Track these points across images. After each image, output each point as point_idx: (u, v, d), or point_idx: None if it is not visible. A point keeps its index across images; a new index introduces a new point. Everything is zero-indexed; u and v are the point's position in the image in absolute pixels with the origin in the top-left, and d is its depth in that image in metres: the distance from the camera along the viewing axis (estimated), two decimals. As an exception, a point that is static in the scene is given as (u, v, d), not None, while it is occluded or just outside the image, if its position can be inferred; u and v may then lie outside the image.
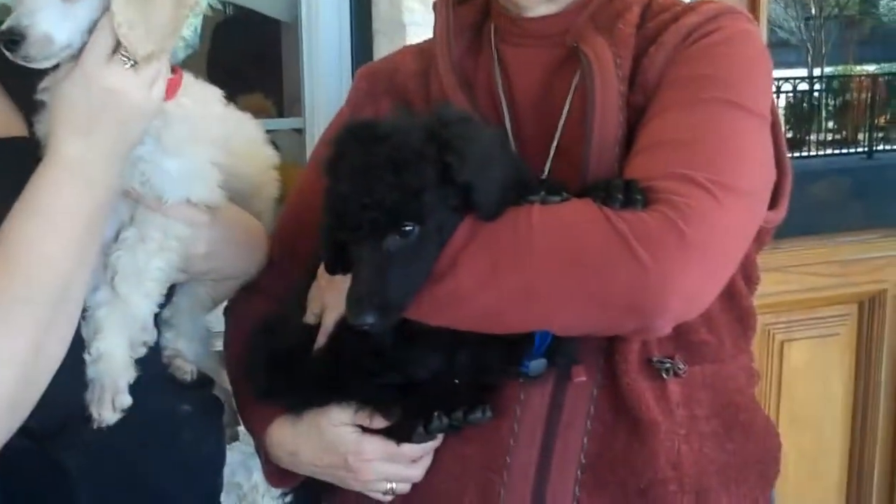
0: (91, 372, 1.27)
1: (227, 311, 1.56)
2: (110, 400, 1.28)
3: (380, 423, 1.31)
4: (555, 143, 1.33)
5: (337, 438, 1.32)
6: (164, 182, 1.29)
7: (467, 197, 1.16)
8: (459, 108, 1.31)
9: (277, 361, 1.36)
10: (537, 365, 1.25)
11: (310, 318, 1.36)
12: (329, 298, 1.33)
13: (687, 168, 1.15)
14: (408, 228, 1.15)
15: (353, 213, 1.15)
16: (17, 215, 1.16)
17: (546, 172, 1.32)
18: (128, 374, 1.29)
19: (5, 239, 1.15)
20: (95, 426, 1.27)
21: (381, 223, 1.15)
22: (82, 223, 1.18)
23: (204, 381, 1.49)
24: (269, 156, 1.57)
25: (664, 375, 1.28)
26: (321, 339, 1.33)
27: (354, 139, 1.19)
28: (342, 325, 1.29)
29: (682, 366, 1.29)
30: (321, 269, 1.34)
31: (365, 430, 1.32)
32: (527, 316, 1.17)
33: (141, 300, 1.30)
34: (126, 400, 1.28)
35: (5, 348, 1.12)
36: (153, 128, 1.26)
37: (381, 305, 1.15)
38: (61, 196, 1.17)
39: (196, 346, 1.49)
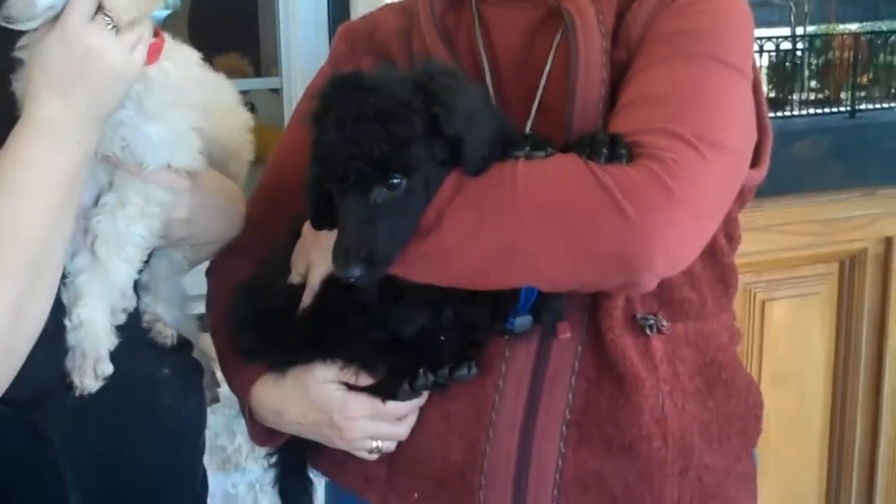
0: (72, 339, 1.28)
1: (209, 273, 1.57)
2: (92, 368, 1.28)
3: (365, 380, 1.32)
4: (536, 102, 1.34)
5: (322, 396, 1.34)
6: (145, 147, 1.29)
7: (454, 150, 1.17)
8: (444, 63, 1.32)
9: (261, 321, 1.37)
10: (523, 321, 1.26)
11: (294, 277, 1.37)
12: (314, 256, 1.33)
13: (672, 123, 1.17)
14: (395, 181, 1.16)
15: (341, 164, 1.16)
16: None
17: (528, 131, 1.33)
18: (109, 342, 1.30)
19: None
20: (77, 394, 1.27)
21: (369, 174, 1.15)
22: (57, 186, 1.17)
23: (183, 345, 1.49)
24: (245, 119, 1.57)
25: (648, 332, 1.30)
26: (306, 299, 1.34)
27: (342, 91, 1.20)
28: (328, 283, 1.30)
29: (665, 322, 1.31)
30: (306, 227, 1.34)
31: (350, 387, 1.33)
32: (512, 272, 1.18)
33: (121, 265, 1.30)
34: (107, 367, 1.29)
35: None
36: (135, 92, 1.26)
37: (367, 258, 1.16)
38: (35, 157, 1.16)
39: (175, 310, 1.49)
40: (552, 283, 1.20)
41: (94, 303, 1.29)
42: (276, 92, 2.69)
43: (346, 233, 1.18)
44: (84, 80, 1.18)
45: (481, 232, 1.16)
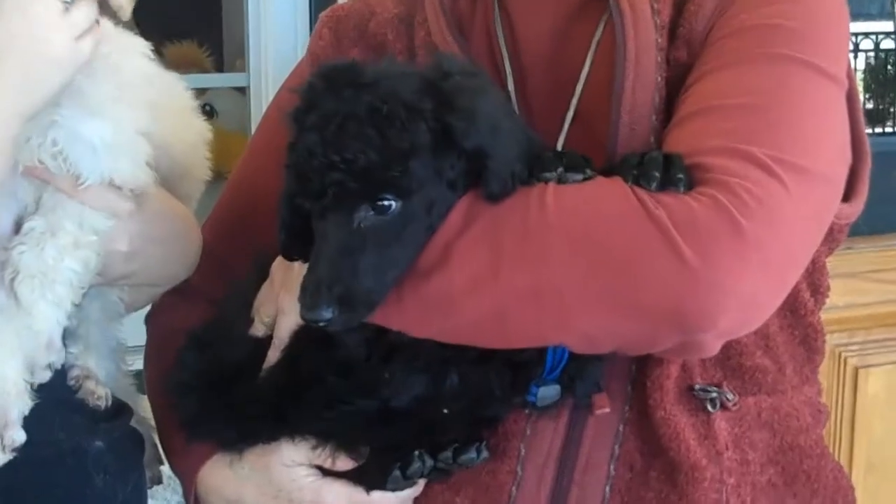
0: None
1: (149, 318, 1.57)
2: None
3: (344, 463, 1.32)
4: (572, 111, 1.34)
5: (289, 483, 1.33)
6: (82, 154, 1.28)
7: (470, 169, 1.17)
8: (464, 59, 1.31)
9: (212, 383, 1.36)
10: (548, 392, 1.26)
11: (258, 328, 1.37)
12: (284, 301, 1.33)
13: (745, 142, 1.15)
14: (386, 202, 1.15)
15: (318, 174, 1.15)
16: None
17: (560, 147, 1.33)
18: (21, 404, 1.28)
19: None
20: None
21: (352, 190, 1.14)
22: None
23: (119, 410, 1.48)
24: (201, 128, 1.58)
25: (709, 408, 1.29)
26: (273, 355, 1.33)
27: (331, 84, 1.19)
28: (300, 336, 1.30)
29: (731, 396, 1.30)
30: (276, 263, 1.34)
31: (325, 472, 1.32)
32: (536, 326, 1.17)
33: (47, 309, 1.29)
34: (18, 436, 1.27)
35: None
36: (73, 85, 1.25)
37: (344, 297, 1.15)
38: None
39: (108, 363, 1.49)
40: (587, 343, 1.19)
41: (5, 353, 1.27)
42: (242, 91, 2.73)
43: (320, 262, 1.17)
44: (10, 58, 1.18)
45: (498, 274, 1.15)
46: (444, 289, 1.17)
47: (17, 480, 1.29)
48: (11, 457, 1.27)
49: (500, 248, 1.15)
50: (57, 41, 1.20)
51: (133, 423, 1.52)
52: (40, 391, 1.30)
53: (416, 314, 1.19)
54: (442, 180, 1.17)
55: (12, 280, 1.28)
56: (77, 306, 1.36)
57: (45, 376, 1.31)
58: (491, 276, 1.15)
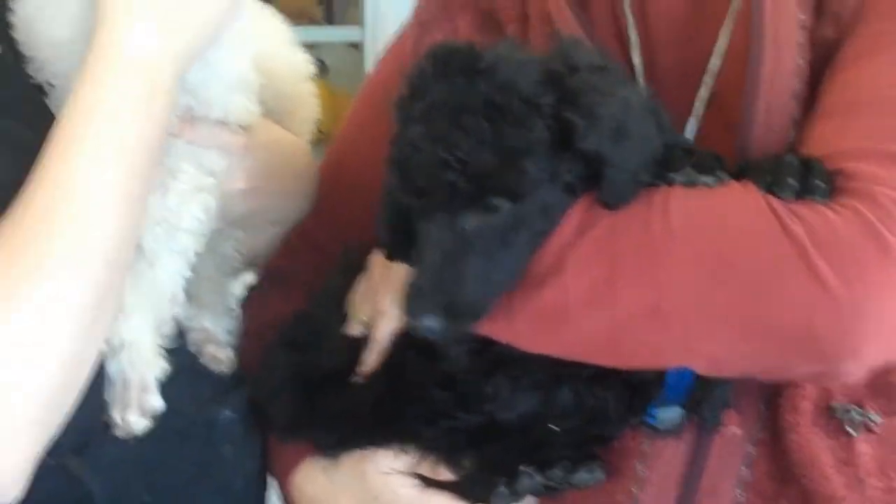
0: (111, 366, 1.25)
1: (242, 306, 1.56)
2: (136, 400, 1.26)
3: (446, 475, 1.29)
4: (704, 93, 1.29)
5: (387, 492, 1.31)
6: (210, 87, 1.28)
7: (590, 173, 1.12)
8: (594, 49, 1.27)
9: (306, 385, 1.35)
10: (668, 415, 1.22)
11: (354, 327, 1.36)
12: (383, 300, 1.32)
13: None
14: (496, 204, 1.12)
15: (423, 171, 1.13)
16: (61, 144, 1.13)
17: (690, 135, 1.29)
18: (158, 367, 1.27)
19: (45, 181, 1.12)
20: (119, 435, 1.26)
21: (461, 191, 1.12)
22: (145, 152, 1.16)
23: (242, 376, 1.48)
24: (304, 62, 1.55)
25: (850, 430, 1.23)
26: (370, 357, 1.32)
27: (442, 69, 1.16)
28: (401, 343, 1.29)
29: (876, 417, 1.24)
30: (376, 258, 1.34)
31: (426, 482, 1.29)
32: (656, 347, 1.14)
33: (171, 260, 1.28)
34: (156, 401, 1.26)
35: (52, 325, 1.10)
36: None
37: (449, 306, 1.13)
38: (124, 107, 1.14)
39: (226, 322, 1.48)
40: (712, 367, 1.16)
41: (137, 315, 1.26)
42: (356, 47, 2.71)
43: (424, 267, 1.15)
44: (192, 9, 1.19)
45: (615, 288, 1.12)
46: (556, 301, 1.15)
47: (146, 452, 1.29)
48: (149, 424, 1.26)
49: (618, 260, 1.13)
50: None
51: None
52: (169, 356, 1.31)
53: (525, 326, 1.17)
54: (558, 183, 1.14)
55: None
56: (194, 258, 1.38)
57: (167, 332, 1.30)
58: (606, 290, 1.12)
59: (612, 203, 1.14)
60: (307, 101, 1.55)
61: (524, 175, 1.12)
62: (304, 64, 1.55)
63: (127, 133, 1.15)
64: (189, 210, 1.29)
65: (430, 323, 1.13)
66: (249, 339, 1.50)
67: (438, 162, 1.12)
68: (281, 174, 1.43)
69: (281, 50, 1.51)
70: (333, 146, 1.61)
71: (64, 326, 1.10)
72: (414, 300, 1.14)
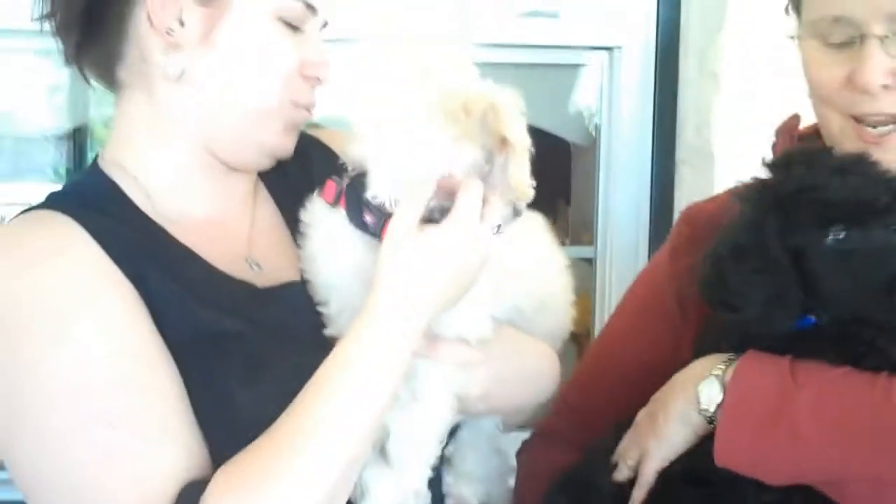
0: None
1: (518, 455, 1.68)
2: None
3: None
4: None
5: None
6: (451, 313, 1.33)
7: None
8: None
9: None
10: None
11: (622, 471, 1.44)
12: (650, 444, 1.38)
13: None
14: None
15: (859, 190, 1.26)
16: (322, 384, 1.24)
17: None
18: None
19: (300, 409, 1.22)
20: None
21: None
22: (392, 380, 1.26)
23: None
24: (559, 260, 1.60)
25: None
26: (637, 494, 1.40)
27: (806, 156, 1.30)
28: (666, 479, 1.35)
29: None
30: (641, 414, 1.42)
31: None
32: None
33: (418, 468, 1.34)
34: None
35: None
36: None
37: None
38: (376, 371, 1.25)
39: (483, 488, 1.55)
40: None
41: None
42: (589, 262, 2.93)
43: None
44: (458, 285, 1.30)
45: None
46: None
47: None
48: None
49: None
50: (488, 250, 1.32)
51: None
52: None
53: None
54: None
55: (380, 441, 1.34)
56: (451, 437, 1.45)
57: None
58: None
59: None
60: (561, 292, 1.59)
61: None
62: (559, 263, 1.59)
63: (375, 388, 1.24)
64: (431, 427, 1.34)
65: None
66: (523, 483, 1.60)
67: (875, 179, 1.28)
68: (517, 380, 1.46)
69: (537, 250, 1.52)
70: (596, 342, 1.73)
71: None
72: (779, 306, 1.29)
